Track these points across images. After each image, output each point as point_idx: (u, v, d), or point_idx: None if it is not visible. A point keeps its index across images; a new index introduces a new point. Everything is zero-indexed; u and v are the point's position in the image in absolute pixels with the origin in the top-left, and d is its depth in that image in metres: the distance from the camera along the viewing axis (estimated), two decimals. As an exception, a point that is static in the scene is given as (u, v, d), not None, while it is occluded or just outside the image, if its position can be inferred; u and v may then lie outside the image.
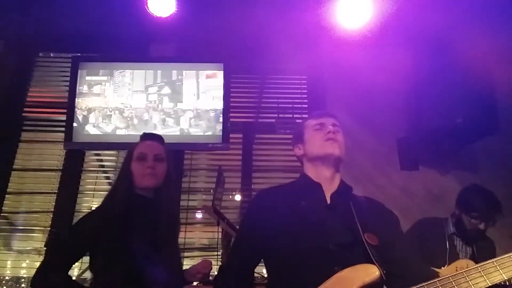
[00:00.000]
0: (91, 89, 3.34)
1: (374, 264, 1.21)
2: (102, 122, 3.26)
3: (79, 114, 3.26)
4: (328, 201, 1.42)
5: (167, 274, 1.66)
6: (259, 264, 1.52)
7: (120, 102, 3.31)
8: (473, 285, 1.12)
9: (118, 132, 3.24)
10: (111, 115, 3.28)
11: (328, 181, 1.46)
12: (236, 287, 1.42)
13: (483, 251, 2.43)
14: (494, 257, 2.52)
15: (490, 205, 2.34)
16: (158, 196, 1.81)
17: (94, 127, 3.25)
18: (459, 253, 2.43)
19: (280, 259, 1.36)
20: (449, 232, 2.48)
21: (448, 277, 1.14)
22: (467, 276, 1.13)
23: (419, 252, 2.19)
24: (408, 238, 2.22)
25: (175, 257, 1.83)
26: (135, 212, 1.73)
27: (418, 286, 1.17)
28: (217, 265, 2.93)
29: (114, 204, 1.75)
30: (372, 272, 1.18)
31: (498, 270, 1.13)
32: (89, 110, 3.28)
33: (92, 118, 3.27)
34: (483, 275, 1.13)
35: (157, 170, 1.78)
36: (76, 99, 3.29)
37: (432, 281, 1.16)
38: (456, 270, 2.27)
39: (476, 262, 2.30)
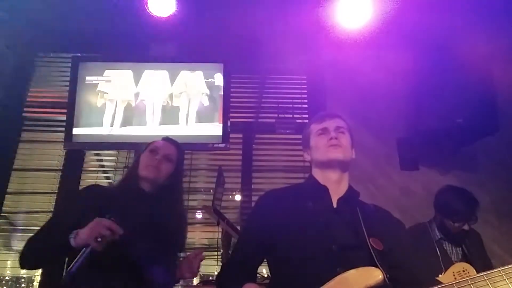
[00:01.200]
0: (91, 89, 3.34)
1: (377, 267, 1.21)
2: (102, 121, 3.26)
3: (79, 114, 3.26)
4: (335, 206, 1.43)
5: (152, 269, 1.64)
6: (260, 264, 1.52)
7: (120, 102, 3.30)
8: None
9: (118, 131, 3.24)
10: (111, 115, 3.28)
11: (335, 185, 1.47)
12: (239, 284, 1.41)
13: (472, 248, 2.42)
14: (483, 248, 2.49)
15: (468, 206, 2.31)
16: (159, 194, 1.82)
17: (94, 127, 3.25)
18: (450, 256, 2.40)
19: (283, 258, 1.37)
20: (436, 237, 2.44)
21: (452, 284, 1.12)
22: (472, 284, 1.11)
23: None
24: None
25: (166, 255, 1.76)
26: (129, 198, 1.75)
27: None
28: (217, 265, 2.94)
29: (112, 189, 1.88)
30: (375, 275, 1.18)
31: (505, 279, 1.10)
32: (90, 110, 3.28)
33: (92, 118, 3.27)
34: (488, 284, 1.10)
35: (161, 166, 1.82)
36: (76, 99, 3.28)
37: None
38: (454, 275, 2.27)
39: (469, 262, 2.31)
